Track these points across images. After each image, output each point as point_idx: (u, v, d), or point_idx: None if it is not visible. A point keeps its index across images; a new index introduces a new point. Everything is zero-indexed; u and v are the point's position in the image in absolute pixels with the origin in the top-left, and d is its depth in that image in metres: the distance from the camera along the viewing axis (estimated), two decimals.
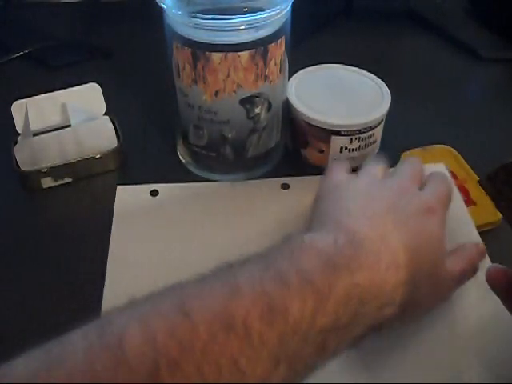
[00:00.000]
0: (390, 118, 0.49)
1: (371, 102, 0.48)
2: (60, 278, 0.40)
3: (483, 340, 0.36)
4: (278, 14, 0.40)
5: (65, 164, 0.47)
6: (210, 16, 0.38)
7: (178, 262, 0.41)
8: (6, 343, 0.35)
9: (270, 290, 0.25)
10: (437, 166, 0.45)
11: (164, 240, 0.43)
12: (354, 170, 0.43)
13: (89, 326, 0.24)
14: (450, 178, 0.40)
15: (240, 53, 0.40)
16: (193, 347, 0.23)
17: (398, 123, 0.52)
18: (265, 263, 0.27)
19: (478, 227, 0.42)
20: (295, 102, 0.47)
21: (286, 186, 0.47)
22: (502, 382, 0.33)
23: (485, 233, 0.42)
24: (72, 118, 0.50)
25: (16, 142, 0.49)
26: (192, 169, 0.49)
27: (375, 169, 0.38)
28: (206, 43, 0.40)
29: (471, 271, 0.36)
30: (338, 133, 0.46)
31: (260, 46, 0.40)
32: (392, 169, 0.39)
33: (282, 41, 0.42)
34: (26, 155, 0.47)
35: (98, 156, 0.48)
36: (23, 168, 0.47)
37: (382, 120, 0.47)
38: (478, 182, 0.29)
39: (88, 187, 0.48)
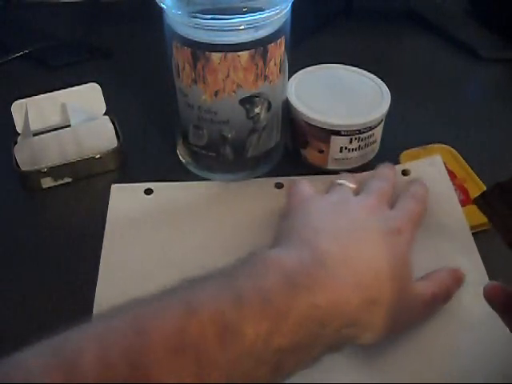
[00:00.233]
0: (389, 118, 0.49)
1: (371, 102, 0.48)
2: (60, 278, 0.40)
3: (484, 340, 0.36)
4: (277, 14, 0.40)
5: (65, 164, 0.47)
6: (209, 16, 0.38)
7: (171, 260, 0.41)
8: (5, 343, 0.35)
9: (226, 310, 0.25)
10: (433, 158, 0.45)
11: (158, 239, 0.43)
12: (352, 171, 0.44)
13: (43, 345, 0.24)
14: (426, 191, 0.40)
15: (240, 53, 0.40)
16: (146, 368, 0.23)
17: (397, 123, 0.52)
18: (226, 281, 0.27)
19: (476, 226, 0.42)
20: (295, 102, 0.47)
21: (279, 185, 0.47)
22: (502, 383, 0.34)
23: (482, 232, 0.42)
24: (72, 118, 0.50)
25: (16, 142, 0.49)
26: (192, 169, 0.49)
27: (345, 186, 0.38)
28: (205, 43, 0.40)
29: (443, 297, 0.35)
30: (337, 133, 0.46)
31: (260, 46, 0.40)
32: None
33: (281, 41, 0.42)
34: (26, 155, 0.47)
35: (98, 156, 0.48)
36: (23, 168, 0.47)
37: (381, 120, 0.47)
38: (473, 200, 0.29)
39: (88, 187, 0.48)
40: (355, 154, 0.47)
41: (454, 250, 0.40)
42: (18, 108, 0.49)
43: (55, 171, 0.47)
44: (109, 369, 0.23)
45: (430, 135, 0.52)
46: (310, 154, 0.48)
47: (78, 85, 0.52)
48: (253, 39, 0.40)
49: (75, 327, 0.25)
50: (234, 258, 0.29)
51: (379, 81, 0.50)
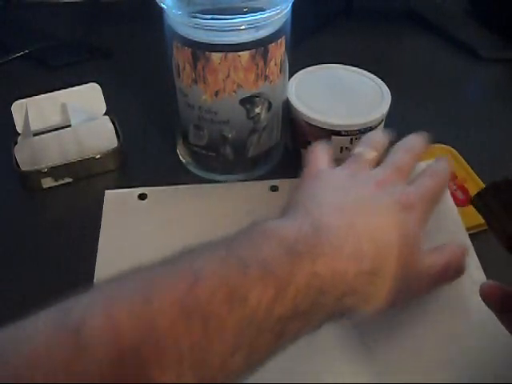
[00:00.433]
0: (390, 118, 0.49)
1: (371, 102, 0.48)
2: (60, 278, 0.40)
3: (483, 339, 0.36)
4: (278, 13, 0.40)
5: (65, 164, 0.47)
6: (209, 16, 0.38)
7: None
8: None
9: (230, 277, 0.26)
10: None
11: (152, 243, 0.42)
12: None
13: (52, 309, 0.24)
14: (448, 169, 0.38)
15: (240, 53, 0.40)
16: (154, 333, 0.23)
17: (398, 123, 0.51)
18: (227, 250, 0.27)
19: (476, 227, 0.42)
20: (295, 102, 0.47)
21: (274, 188, 0.47)
22: (502, 382, 0.34)
23: (482, 232, 0.42)
24: (72, 118, 0.50)
25: (16, 142, 0.49)
26: (192, 169, 0.49)
27: (362, 157, 0.37)
28: (205, 43, 0.40)
29: (453, 269, 0.35)
30: (338, 133, 0.46)
31: (260, 45, 0.40)
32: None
33: (282, 41, 0.42)
34: (26, 155, 0.47)
35: (98, 156, 0.48)
36: (23, 168, 0.47)
37: (382, 120, 0.47)
38: (470, 199, 0.29)
39: (88, 187, 0.48)
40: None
41: None
42: (18, 108, 0.49)
43: (55, 171, 0.47)
44: (116, 334, 0.23)
45: (430, 135, 0.52)
46: None
47: (78, 85, 0.52)
48: (253, 39, 0.40)
49: (82, 293, 0.25)
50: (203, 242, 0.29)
51: (379, 81, 0.50)
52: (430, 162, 0.40)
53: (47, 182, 0.47)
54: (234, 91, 0.42)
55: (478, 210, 0.29)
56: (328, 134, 0.46)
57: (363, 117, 0.46)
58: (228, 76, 0.41)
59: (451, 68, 0.65)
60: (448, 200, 0.42)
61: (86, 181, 0.48)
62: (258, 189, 0.47)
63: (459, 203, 0.44)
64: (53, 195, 0.47)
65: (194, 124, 0.45)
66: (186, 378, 0.23)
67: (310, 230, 0.29)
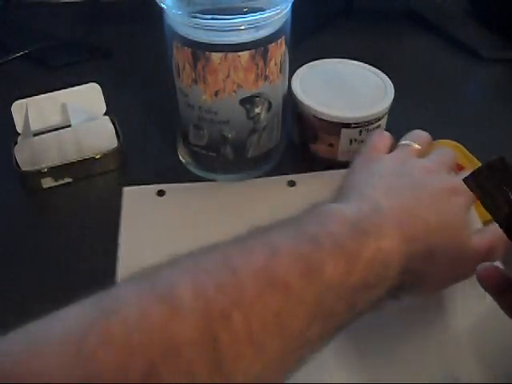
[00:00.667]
0: (390, 118, 0.49)
1: (376, 94, 0.48)
2: (60, 278, 0.40)
3: (481, 338, 0.36)
4: (278, 13, 0.40)
5: (65, 164, 0.47)
6: (209, 16, 0.38)
7: None
8: None
9: (305, 251, 0.27)
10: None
11: (173, 239, 0.42)
12: None
13: (137, 279, 0.25)
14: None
15: (240, 53, 0.40)
16: (241, 301, 0.24)
17: (398, 123, 0.52)
18: (296, 227, 0.29)
19: (489, 221, 0.43)
20: (302, 96, 0.47)
21: (292, 183, 0.47)
22: (501, 382, 0.34)
23: None
24: (72, 118, 0.50)
25: (16, 142, 0.49)
26: (192, 169, 0.49)
27: (409, 148, 0.40)
28: (205, 43, 0.40)
29: (494, 250, 0.36)
30: (348, 125, 0.46)
31: (260, 46, 0.40)
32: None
33: (282, 41, 0.42)
34: (26, 155, 0.47)
35: (98, 156, 0.48)
36: (23, 168, 0.47)
37: (387, 110, 0.48)
38: (463, 180, 0.29)
39: (88, 187, 0.48)
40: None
41: None
42: (18, 108, 0.49)
43: (55, 171, 0.47)
44: (206, 299, 0.24)
45: (430, 135, 0.52)
46: (320, 148, 0.49)
47: (78, 85, 0.52)
48: (253, 39, 0.40)
49: (164, 264, 0.26)
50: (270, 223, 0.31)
51: (381, 74, 0.51)
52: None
53: (47, 182, 0.47)
54: (234, 91, 0.42)
55: (473, 191, 0.29)
56: (338, 126, 0.46)
57: (371, 108, 0.46)
58: (228, 76, 0.41)
59: (451, 68, 0.65)
60: None
61: (86, 181, 0.48)
62: (276, 184, 0.47)
63: None
64: (53, 195, 0.47)
65: (193, 124, 0.45)
66: (269, 346, 0.25)
67: (368, 211, 0.31)
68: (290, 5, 0.42)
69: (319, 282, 0.26)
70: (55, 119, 0.51)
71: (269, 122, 0.46)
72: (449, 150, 0.42)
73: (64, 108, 0.51)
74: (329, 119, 0.46)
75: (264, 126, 0.46)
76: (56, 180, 0.47)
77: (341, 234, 0.29)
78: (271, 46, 0.41)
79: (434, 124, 0.55)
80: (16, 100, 0.49)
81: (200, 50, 0.40)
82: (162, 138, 0.53)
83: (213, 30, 0.39)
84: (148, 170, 0.50)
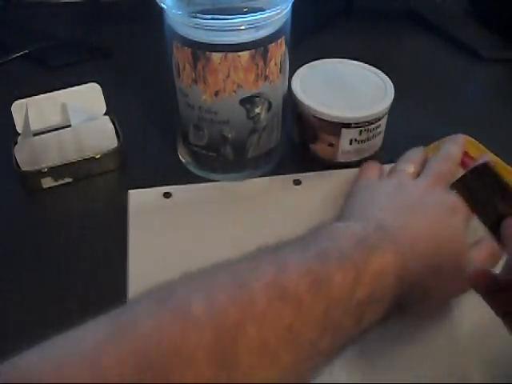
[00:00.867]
0: (390, 118, 0.49)
1: (376, 94, 0.48)
2: (60, 278, 0.40)
3: (483, 340, 0.36)
4: (278, 13, 0.40)
5: (65, 164, 0.47)
6: (209, 16, 0.38)
7: (200, 261, 0.40)
8: (5, 343, 0.35)
9: (313, 265, 0.28)
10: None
11: (182, 242, 0.42)
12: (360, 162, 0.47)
13: (152, 296, 0.26)
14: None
15: (240, 53, 0.40)
16: (254, 314, 0.25)
17: (398, 123, 0.52)
18: (305, 243, 0.30)
19: None
20: (302, 96, 0.47)
21: (298, 182, 0.48)
22: (501, 382, 0.34)
23: None
24: (72, 118, 0.50)
25: (16, 142, 0.49)
26: (192, 169, 0.49)
27: (404, 170, 0.41)
28: (205, 43, 0.40)
29: (491, 262, 0.36)
30: (348, 125, 0.46)
31: (260, 46, 0.40)
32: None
33: (282, 41, 0.42)
34: (25, 155, 0.47)
35: (98, 156, 0.48)
36: (23, 168, 0.47)
37: (387, 110, 0.48)
38: (451, 185, 0.30)
39: (88, 187, 0.48)
40: (364, 145, 0.48)
41: None
42: (18, 108, 0.49)
43: (55, 171, 0.47)
44: (220, 312, 0.24)
45: (430, 135, 0.52)
46: (320, 148, 0.49)
47: (78, 85, 0.52)
48: (253, 39, 0.40)
49: (176, 281, 0.27)
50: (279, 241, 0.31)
51: (381, 73, 0.51)
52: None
53: (47, 182, 0.47)
54: (234, 91, 0.42)
55: (461, 195, 0.30)
56: (338, 126, 0.46)
57: (371, 108, 0.46)
58: (228, 76, 0.41)
59: (451, 68, 0.65)
60: None
61: (86, 181, 0.48)
62: (282, 183, 0.47)
63: None
64: (53, 195, 0.47)
65: (193, 124, 0.45)
66: (283, 357, 0.25)
67: (374, 229, 0.32)
68: (290, 5, 0.42)
69: (327, 296, 0.27)
70: (55, 119, 0.51)
71: (269, 122, 0.46)
72: (446, 155, 0.43)
73: (64, 108, 0.51)
74: (329, 119, 0.46)
75: (264, 126, 0.46)
76: (56, 180, 0.47)
77: (348, 249, 0.29)
78: (271, 46, 0.41)
79: (433, 124, 0.56)
80: (16, 100, 0.49)
81: (200, 50, 0.40)
82: (162, 138, 0.53)
83: (213, 30, 0.39)
84: (148, 170, 0.50)
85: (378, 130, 0.48)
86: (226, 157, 0.46)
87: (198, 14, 0.38)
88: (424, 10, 0.74)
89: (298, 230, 0.34)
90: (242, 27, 0.39)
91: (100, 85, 0.52)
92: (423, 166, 0.42)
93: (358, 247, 0.30)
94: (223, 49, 0.40)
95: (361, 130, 0.47)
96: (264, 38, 0.40)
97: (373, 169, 0.45)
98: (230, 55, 0.40)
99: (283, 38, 0.42)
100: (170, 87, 0.46)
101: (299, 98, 0.48)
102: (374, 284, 0.29)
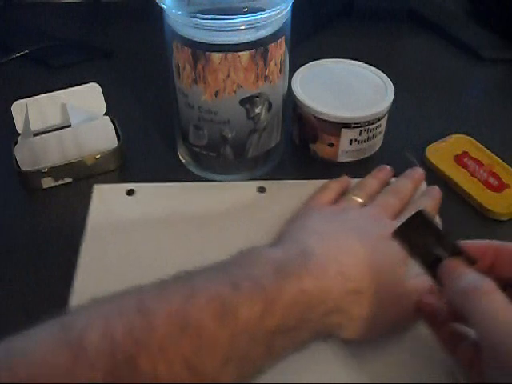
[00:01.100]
0: (390, 119, 0.49)
1: (376, 94, 0.48)
2: (60, 277, 0.40)
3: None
4: (278, 13, 0.40)
5: (65, 164, 0.47)
6: (210, 16, 0.38)
7: (151, 261, 0.41)
8: None
9: (222, 293, 0.27)
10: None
11: (138, 239, 0.43)
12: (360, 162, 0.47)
13: (52, 322, 0.26)
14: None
15: (240, 53, 0.40)
16: (149, 345, 0.25)
17: (398, 123, 0.52)
18: (220, 270, 0.29)
19: (509, 214, 0.44)
20: (302, 97, 0.47)
21: (262, 190, 0.47)
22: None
23: None
24: (72, 118, 0.50)
25: (16, 142, 0.49)
26: (192, 169, 0.49)
27: (353, 201, 0.41)
28: (205, 43, 0.40)
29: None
30: (348, 125, 0.46)
31: (260, 46, 0.40)
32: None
33: (282, 41, 0.42)
34: (26, 155, 0.47)
35: (98, 156, 0.48)
36: (23, 168, 0.47)
37: (387, 110, 0.48)
38: (392, 234, 0.32)
39: (88, 187, 0.48)
40: (364, 145, 0.48)
41: None
42: (18, 108, 0.49)
43: (55, 171, 0.47)
44: (113, 345, 0.24)
45: (430, 135, 0.52)
46: (320, 148, 0.49)
47: (78, 85, 0.52)
48: (253, 39, 0.40)
49: (82, 306, 0.27)
50: (214, 259, 0.31)
51: (381, 73, 0.51)
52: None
53: (47, 182, 0.47)
54: (234, 91, 0.42)
55: (401, 243, 0.32)
56: (338, 126, 0.46)
57: (370, 108, 0.46)
58: (228, 76, 0.41)
59: (451, 68, 0.65)
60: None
61: (86, 181, 0.48)
62: (246, 189, 0.47)
63: (494, 189, 0.46)
64: (53, 195, 0.47)
65: (193, 124, 0.45)
66: None
67: (296, 253, 0.31)
68: (290, 5, 0.42)
69: (233, 324, 0.26)
70: (55, 119, 0.51)
71: (269, 122, 0.46)
72: (397, 191, 0.42)
73: (64, 108, 0.51)
74: (329, 119, 0.46)
75: (264, 126, 0.46)
76: (56, 180, 0.47)
77: (262, 276, 0.29)
78: (271, 46, 0.41)
79: (433, 124, 0.56)
80: (16, 100, 0.49)
81: (200, 50, 0.40)
82: (162, 138, 0.53)
83: (213, 30, 0.39)
84: (148, 170, 0.50)
85: (378, 130, 0.48)
86: (226, 157, 0.46)
87: (197, 14, 0.38)
88: (424, 10, 0.74)
89: (254, 236, 0.35)
90: (242, 27, 0.39)
91: (100, 85, 0.52)
92: (373, 197, 0.42)
93: (273, 275, 0.29)
94: (223, 49, 0.40)
95: (361, 130, 0.47)
96: (264, 37, 0.40)
97: (327, 193, 0.43)
98: (230, 55, 0.40)
99: (283, 38, 0.42)
100: (170, 87, 0.46)
101: (299, 97, 0.48)
102: (287, 312, 0.28)
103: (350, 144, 0.47)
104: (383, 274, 0.33)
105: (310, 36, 0.69)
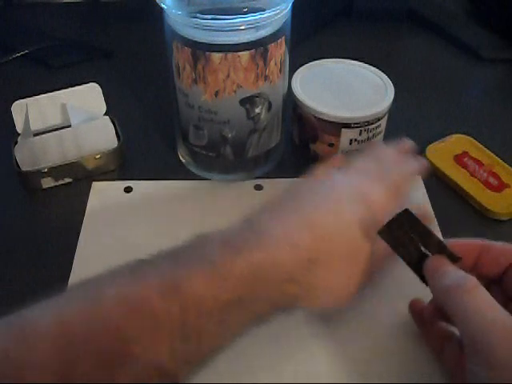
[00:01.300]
0: (390, 119, 0.49)
1: (376, 94, 0.48)
2: (60, 277, 0.40)
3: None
4: (278, 13, 0.40)
5: (65, 164, 0.47)
6: (210, 16, 0.38)
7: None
8: None
9: (174, 272, 0.28)
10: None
11: (134, 235, 0.43)
12: None
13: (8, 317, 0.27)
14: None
15: (240, 53, 0.40)
16: (105, 326, 0.25)
17: (398, 123, 0.52)
18: (173, 252, 0.30)
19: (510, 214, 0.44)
20: (302, 97, 0.47)
21: (259, 187, 0.47)
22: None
23: None
24: (72, 118, 0.50)
25: (16, 142, 0.49)
26: (192, 169, 0.49)
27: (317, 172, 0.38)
28: (205, 43, 0.40)
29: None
30: (347, 125, 0.46)
31: (260, 46, 0.40)
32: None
33: (282, 41, 0.42)
34: (26, 155, 0.47)
35: (98, 156, 0.48)
36: (23, 168, 0.47)
37: (388, 110, 0.48)
38: (378, 232, 0.32)
39: (88, 187, 0.48)
40: (364, 145, 0.48)
41: None
42: (18, 108, 0.49)
43: (55, 171, 0.47)
44: (64, 325, 0.25)
45: (430, 135, 0.52)
46: (320, 148, 0.49)
47: (78, 85, 0.52)
48: (253, 39, 0.40)
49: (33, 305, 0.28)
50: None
51: (381, 73, 0.51)
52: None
53: (47, 182, 0.47)
54: (234, 91, 0.42)
55: (386, 242, 0.32)
56: (338, 126, 0.46)
57: (370, 108, 0.46)
58: (228, 76, 0.41)
59: (451, 68, 0.65)
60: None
61: (86, 181, 0.48)
62: (242, 187, 0.47)
63: (493, 189, 0.46)
64: (53, 195, 0.47)
65: (193, 124, 0.45)
66: (136, 367, 0.25)
67: (246, 228, 0.31)
68: (290, 5, 0.42)
69: (183, 300, 0.27)
70: (55, 119, 0.51)
71: (269, 122, 0.46)
72: (372, 157, 0.38)
73: (64, 108, 0.51)
74: (329, 119, 0.46)
75: (264, 126, 0.46)
76: (56, 180, 0.47)
77: (213, 253, 0.29)
78: (271, 46, 0.41)
79: (433, 124, 0.56)
80: (16, 100, 0.49)
81: (200, 50, 0.40)
82: (162, 138, 0.53)
83: (213, 30, 0.39)
84: (148, 170, 0.50)
85: (378, 129, 0.48)
86: (226, 157, 0.46)
87: (197, 14, 0.38)
88: (424, 10, 0.74)
89: None
90: (242, 27, 0.39)
91: (100, 85, 0.52)
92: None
93: (223, 250, 0.29)
94: (223, 49, 0.40)
95: (361, 130, 0.47)
96: (264, 37, 0.40)
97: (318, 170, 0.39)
98: (230, 55, 0.40)
99: (283, 38, 0.42)
100: (170, 87, 0.46)
101: (299, 97, 0.48)
102: (240, 287, 0.28)
103: (350, 144, 0.47)
104: (338, 237, 0.31)
105: (309, 36, 0.69)
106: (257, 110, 0.44)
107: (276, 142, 0.49)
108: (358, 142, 0.47)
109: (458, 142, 0.51)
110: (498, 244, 0.32)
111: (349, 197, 0.33)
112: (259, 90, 0.43)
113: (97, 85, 0.52)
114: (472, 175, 0.48)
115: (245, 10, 0.39)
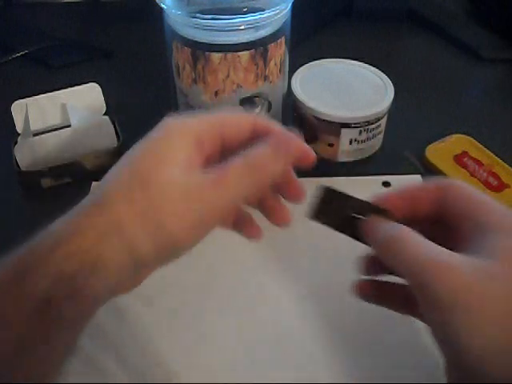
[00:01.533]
0: (390, 119, 0.49)
1: (376, 94, 0.48)
2: None
3: None
4: (277, 13, 0.40)
5: (65, 164, 0.47)
6: (210, 16, 0.38)
7: None
8: None
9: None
10: (414, 176, 0.47)
11: None
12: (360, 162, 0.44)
13: None
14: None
15: (240, 53, 0.40)
16: None
17: (398, 123, 0.52)
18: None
19: None
20: (302, 97, 0.47)
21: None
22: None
23: None
24: (72, 118, 0.50)
25: (16, 142, 0.49)
26: None
27: None
28: (206, 43, 0.40)
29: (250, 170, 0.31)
30: (347, 125, 0.46)
31: (260, 46, 0.40)
32: None
33: (281, 41, 0.42)
34: (25, 155, 0.47)
35: (98, 156, 0.48)
36: (23, 168, 0.47)
37: (387, 110, 0.48)
38: (310, 218, 0.31)
39: (88, 187, 0.48)
40: (364, 145, 0.48)
41: None
42: (18, 108, 0.49)
43: (55, 171, 0.47)
44: None
45: (430, 135, 0.52)
46: (320, 148, 0.49)
47: (78, 85, 0.52)
48: (253, 39, 0.40)
49: None
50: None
51: (381, 73, 0.51)
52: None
53: (47, 182, 0.47)
54: (234, 91, 0.42)
55: (323, 224, 0.31)
56: (338, 126, 0.46)
57: (370, 108, 0.46)
58: (228, 76, 0.41)
59: (451, 68, 0.65)
60: None
61: (86, 181, 0.48)
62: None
63: (493, 189, 0.46)
64: (53, 195, 0.47)
65: None
66: None
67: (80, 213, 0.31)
68: (290, 5, 0.42)
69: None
70: (55, 119, 0.51)
71: None
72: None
73: (64, 108, 0.51)
74: (329, 119, 0.46)
75: None
76: (56, 180, 0.47)
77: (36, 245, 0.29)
78: (271, 46, 0.41)
79: (433, 124, 0.56)
80: (16, 100, 0.49)
81: (200, 50, 0.40)
82: None
83: (213, 29, 0.39)
84: None
85: (378, 129, 0.48)
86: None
87: (197, 14, 0.38)
88: (424, 10, 0.74)
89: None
90: (242, 27, 0.39)
91: (100, 85, 0.52)
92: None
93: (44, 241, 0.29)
94: (223, 49, 0.40)
95: (361, 130, 0.47)
96: (264, 37, 0.40)
97: None
98: (230, 55, 0.40)
99: (283, 38, 0.42)
100: (170, 87, 0.46)
101: (299, 97, 0.48)
102: (55, 282, 0.27)
103: (350, 144, 0.47)
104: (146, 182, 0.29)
105: (309, 36, 0.69)
106: (256, 110, 0.44)
107: None
108: (358, 142, 0.47)
109: (457, 142, 0.51)
110: (421, 185, 0.31)
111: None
112: (259, 90, 0.43)
113: (97, 85, 0.52)
114: (472, 175, 0.48)
115: (245, 9, 0.39)
